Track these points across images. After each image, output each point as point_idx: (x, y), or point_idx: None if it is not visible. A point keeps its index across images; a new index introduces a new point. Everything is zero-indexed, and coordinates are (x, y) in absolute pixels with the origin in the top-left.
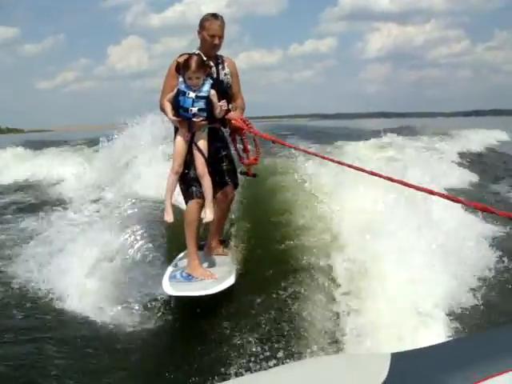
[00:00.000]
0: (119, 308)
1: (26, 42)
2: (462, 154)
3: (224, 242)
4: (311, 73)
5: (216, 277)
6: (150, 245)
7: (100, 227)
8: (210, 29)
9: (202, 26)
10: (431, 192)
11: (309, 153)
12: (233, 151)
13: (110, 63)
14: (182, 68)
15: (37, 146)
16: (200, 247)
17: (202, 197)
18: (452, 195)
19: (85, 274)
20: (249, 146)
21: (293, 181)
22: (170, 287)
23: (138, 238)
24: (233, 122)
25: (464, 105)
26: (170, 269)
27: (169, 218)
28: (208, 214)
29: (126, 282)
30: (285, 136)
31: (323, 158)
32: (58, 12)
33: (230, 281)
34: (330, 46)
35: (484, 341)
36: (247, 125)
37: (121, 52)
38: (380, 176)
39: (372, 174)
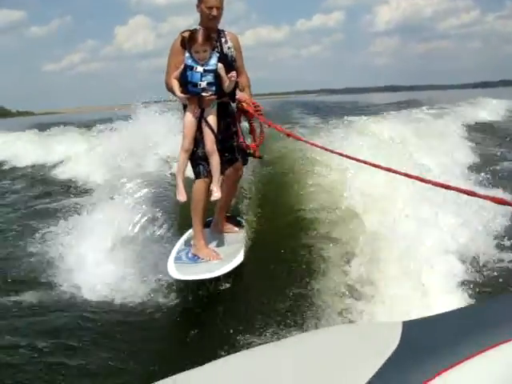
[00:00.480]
0: (132, 288)
1: (33, 25)
2: (471, 125)
3: (231, 219)
4: (319, 48)
5: (221, 257)
6: (164, 224)
7: (113, 207)
8: (208, 0)
9: None
10: (448, 187)
11: (325, 149)
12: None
13: (117, 43)
14: (187, 42)
15: (49, 127)
16: (207, 224)
17: (208, 175)
18: (469, 189)
19: (98, 255)
20: (257, 129)
21: (305, 159)
22: (176, 270)
23: (152, 217)
24: (244, 104)
25: (474, 76)
26: (175, 249)
27: (182, 197)
28: (214, 192)
29: (139, 262)
30: (290, 110)
31: (340, 154)
32: None
33: (237, 261)
34: (338, 20)
35: (496, 307)
36: (257, 111)
37: (128, 32)
38: (397, 172)
39: (389, 170)
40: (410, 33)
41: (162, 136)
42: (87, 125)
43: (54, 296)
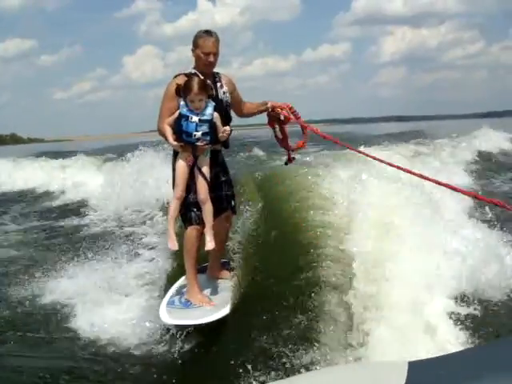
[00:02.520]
0: (127, 331)
1: (43, 53)
2: (475, 157)
3: (226, 264)
4: (325, 78)
5: (213, 304)
6: (163, 267)
7: (114, 247)
8: (204, 46)
9: (195, 43)
10: (453, 188)
11: (361, 152)
12: (274, 139)
13: (125, 72)
14: (183, 90)
15: (60, 155)
16: (203, 269)
17: (201, 223)
18: (472, 192)
19: (95, 296)
20: (288, 133)
21: (302, 186)
22: (167, 314)
23: (151, 259)
24: (278, 110)
25: (480, 106)
26: (168, 294)
27: (172, 245)
28: (208, 242)
29: (137, 305)
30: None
31: (370, 156)
32: (73, 23)
33: (225, 310)
34: (344, 50)
35: (503, 349)
36: (294, 113)
37: (136, 61)
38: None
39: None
40: (416, 63)
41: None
42: (95, 153)
43: (48, 333)
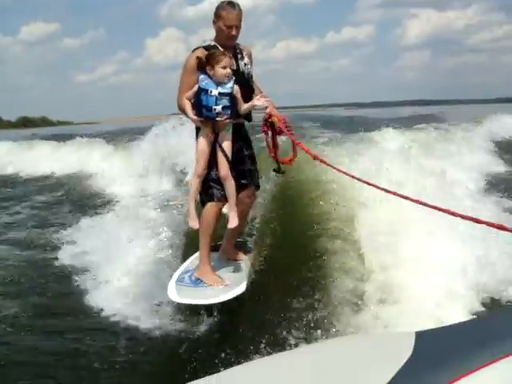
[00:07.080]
0: (139, 309)
1: (66, 36)
2: (495, 142)
3: (242, 244)
4: (348, 61)
5: (226, 283)
6: (174, 245)
7: (126, 227)
8: (227, 18)
9: (217, 15)
10: (478, 221)
11: (346, 174)
12: (264, 144)
13: (147, 55)
14: (207, 61)
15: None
16: (215, 248)
17: (222, 200)
18: (499, 224)
19: (106, 276)
20: (279, 143)
21: (317, 176)
22: (176, 293)
23: (163, 237)
24: (275, 120)
25: (506, 90)
26: (178, 271)
27: (194, 224)
28: (232, 219)
29: (148, 284)
30: (302, 128)
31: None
32: (96, 6)
33: (240, 289)
34: (368, 33)
35: (507, 318)
36: (287, 128)
37: (158, 44)
38: (427, 205)
39: (396, 194)
40: (441, 46)
41: (181, 153)
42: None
43: (57, 312)
